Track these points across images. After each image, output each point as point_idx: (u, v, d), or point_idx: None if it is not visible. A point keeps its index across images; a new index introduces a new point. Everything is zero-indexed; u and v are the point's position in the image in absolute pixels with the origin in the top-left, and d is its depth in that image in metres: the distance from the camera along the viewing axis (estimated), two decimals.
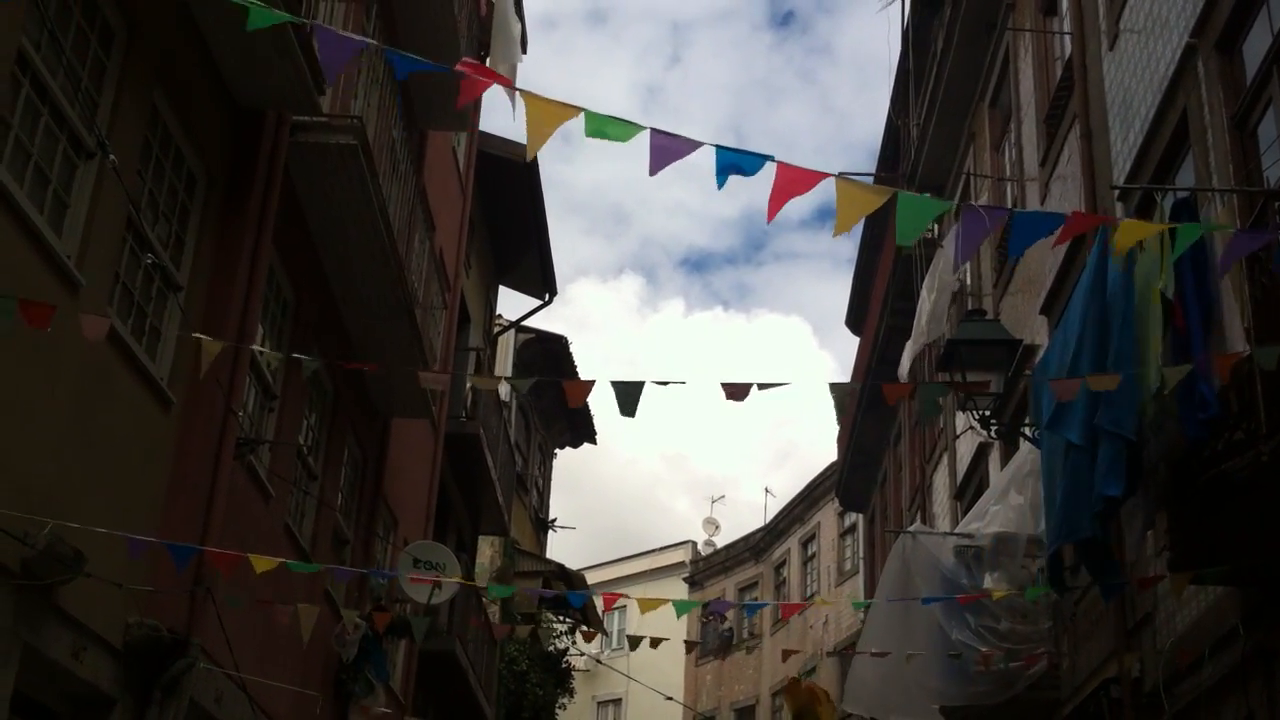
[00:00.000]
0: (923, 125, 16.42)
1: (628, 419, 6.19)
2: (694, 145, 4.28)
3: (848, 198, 4.37)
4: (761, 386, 5.93)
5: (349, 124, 8.97)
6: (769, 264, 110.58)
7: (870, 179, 21.17)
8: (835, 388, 6.21)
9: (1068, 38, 10.90)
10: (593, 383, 6.08)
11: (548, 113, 4.22)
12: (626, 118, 4.24)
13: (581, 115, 4.19)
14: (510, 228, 20.11)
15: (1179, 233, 4.87)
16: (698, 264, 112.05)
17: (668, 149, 4.23)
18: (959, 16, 14.07)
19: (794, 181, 4.31)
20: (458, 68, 4.17)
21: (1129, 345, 6.38)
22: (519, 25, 12.91)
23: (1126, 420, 6.35)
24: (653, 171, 4.18)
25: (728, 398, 5.96)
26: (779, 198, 4.29)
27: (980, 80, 14.57)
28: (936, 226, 17.14)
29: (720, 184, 4.24)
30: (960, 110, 15.23)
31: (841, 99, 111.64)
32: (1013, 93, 13.15)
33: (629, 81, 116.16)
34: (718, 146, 4.26)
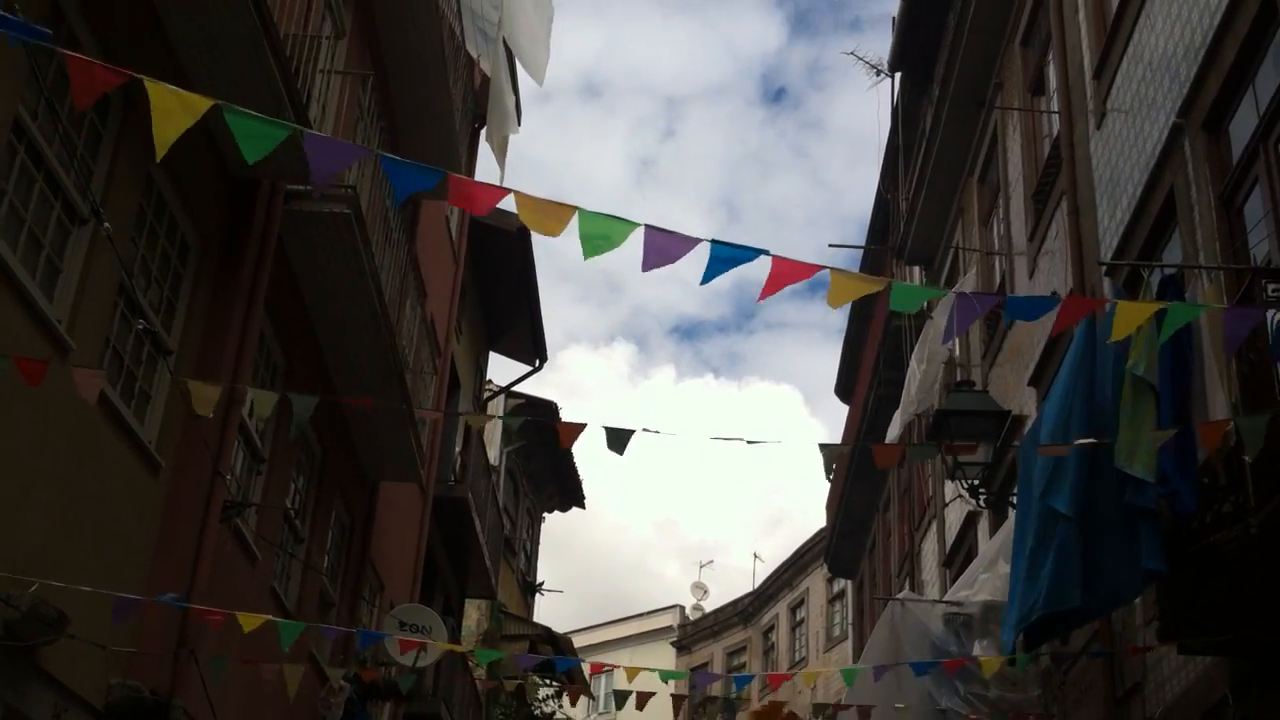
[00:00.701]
0: (912, 199, 16.57)
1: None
2: (690, 241, 4.31)
3: (840, 288, 4.41)
4: (750, 442, 6.19)
5: (343, 193, 9.04)
6: (759, 332, 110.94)
7: (860, 251, 21.32)
8: (825, 448, 6.44)
9: (1055, 116, 11.04)
10: (584, 426, 6.21)
11: (543, 213, 4.23)
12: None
13: (576, 214, 4.21)
14: (502, 294, 20.19)
15: (1169, 314, 4.90)
16: (688, 332, 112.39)
17: (662, 246, 4.26)
18: (948, 94, 14.24)
19: (789, 273, 4.35)
20: (449, 175, 4.18)
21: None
22: (513, 98, 13.05)
23: (1149, 494, 6.38)
24: (646, 268, 4.21)
25: (714, 438, 6.20)
26: (774, 285, 4.33)
27: (969, 156, 14.72)
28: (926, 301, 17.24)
29: (708, 278, 4.26)
30: (949, 185, 15.37)
31: (833, 173, 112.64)
32: (1001, 169, 13.28)
33: (623, 154, 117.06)
34: (713, 242, 4.29)
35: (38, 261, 6.28)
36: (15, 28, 3.99)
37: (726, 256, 4.33)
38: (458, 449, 17.86)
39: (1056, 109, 10.91)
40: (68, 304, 6.51)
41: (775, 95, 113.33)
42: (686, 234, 4.34)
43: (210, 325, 8.22)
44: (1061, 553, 6.84)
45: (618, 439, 6.07)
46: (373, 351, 10.60)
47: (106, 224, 5.84)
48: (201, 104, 3.99)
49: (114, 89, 4.01)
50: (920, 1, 15.86)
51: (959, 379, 13.39)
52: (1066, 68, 10.58)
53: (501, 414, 22.77)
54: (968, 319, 4.59)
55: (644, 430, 6.18)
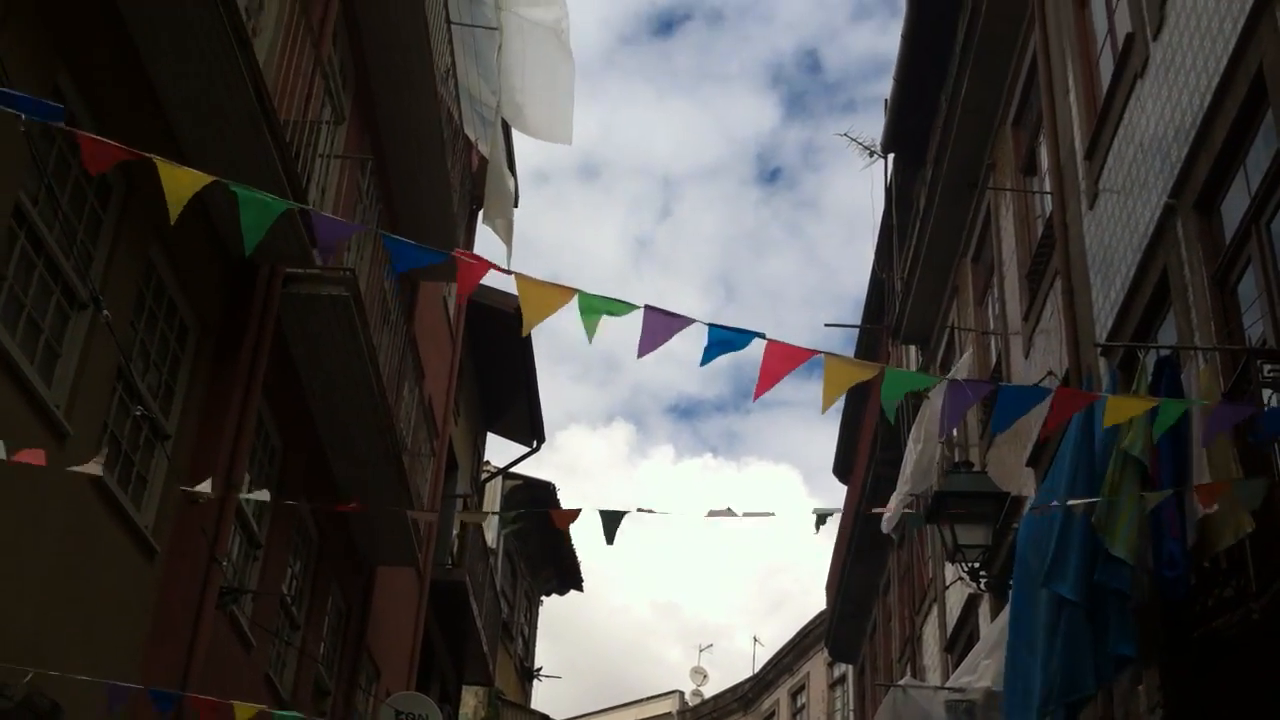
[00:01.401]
0: (907, 279, 16.64)
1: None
2: (686, 322, 4.34)
3: (835, 373, 4.43)
4: (746, 514, 6.20)
5: (342, 276, 9.08)
6: (757, 411, 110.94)
7: (856, 329, 21.38)
8: (818, 511, 6.44)
9: (1048, 197, 11.12)
10: (578, 511, 6.22)
11: (542, 295, 4.27)
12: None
13: (575, 297, 4.25)
14: (499, 375, 20.22)
15: (1162, 408, 4.92)
16: (686, 411, 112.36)
17: (660, 327, 4.29)
18: (941, 175, 14.35)
19: (783, 359, 4.38)
20: (455, 254, 4.23)
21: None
22: (511, 180, 13.21)
23: (1123, 574, 6.35)
24: (641, 353, 4.25)
25: (709, 513, 6.20)
26: (768, 378, 4.36)
27: (963, 236, 14.81)
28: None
29: (706, 360, 4.30)
30: (943, 265, 15.44)
31: (828, 251, 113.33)
32: (995, 249, 13.35)
33: (620, 233, 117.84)
34: (710, 325, 4.32)
35: (37, 346, 6.29)
36: (28, 105, 4.02)
37: (722, 339, 4.37)
38: (455, 531, 17.78)
39: (1049, 189, 10.99)
40: (66, 389, 6.51)
41: (770, 175, 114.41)
42: (684, 315, 4.38)
43: (208, 408, 8.22)
44: (1071, 640, 6.78)
45: (611, 526, 6.06)
46: (370, 433, 10.59)
47: (106, 312, 5.86)
48: (206, 178, 4.07)
49: (117, 171, 4.04)
50: (912, 84, 16.04)
51: (957, 459, 13.37)
52: (1058, 148, 10.67)
53: (499, 495, 22.72)
54: (961, 407, 4.61)
55: (638, 510, 6.19)
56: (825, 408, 4.44)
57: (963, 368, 12.80)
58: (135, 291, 7.25)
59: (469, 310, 17.78)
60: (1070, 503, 6.52)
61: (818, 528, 6.69)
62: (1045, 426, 4.90)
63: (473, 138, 12.72)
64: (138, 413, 7.29)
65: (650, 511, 6.30)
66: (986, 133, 13.51)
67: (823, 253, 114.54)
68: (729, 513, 6.20)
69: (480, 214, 13.20)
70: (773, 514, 6.34)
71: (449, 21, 11.80)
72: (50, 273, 6.38)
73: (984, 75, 12.94)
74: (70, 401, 6.51)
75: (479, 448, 21.32)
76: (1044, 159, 11.51)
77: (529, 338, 19.35)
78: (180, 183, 4.06)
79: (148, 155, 4.05)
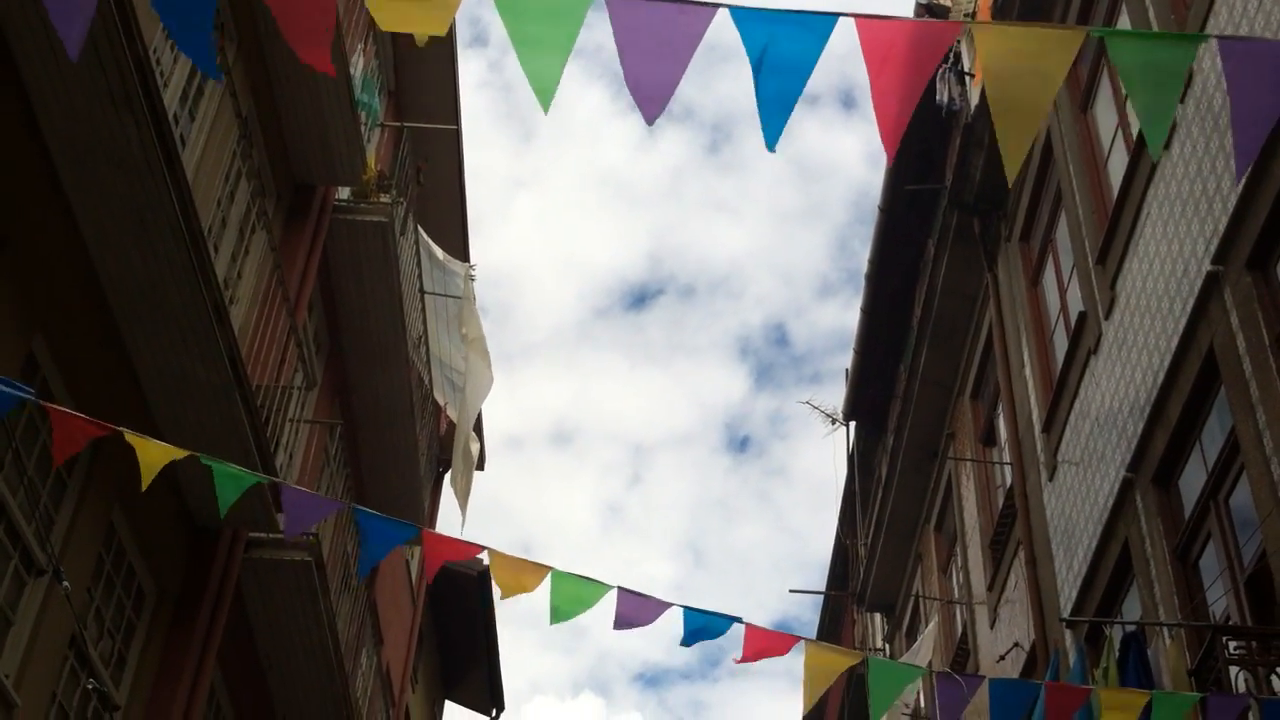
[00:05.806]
0: (870, 546, 16.64)
1: None
2: (663, 606, 4.34)
3: (816, 660, 4.41)
4: None
5: (305, 541, 9.00)
6: (724, 680, 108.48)
7: (821, 596, 21.22)
8: None
9: (1008, 467, 11.25)
10: None
11: (516, 570, 4.28)
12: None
13: (550, 575, 4.25)
14: (460, 641, 19.82)
15: (1156, 701, 4.90)
16: (653, 680, 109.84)
17: (635, 608, 4.28)
18: (902, 444, 14.53)
19: (763, 644, 4.36)
20: (424, 532, 4.26)
21: None
22: (477, 445, 13.31)
23: None
24: (617, 627, 4.22)
25: None
26: (750, 657, 4.33)
27: (925, 504, 14.89)
28: (888, 647, 17.08)
29: (686, 644, 4.27)
30: (907, 532, 15.48)
31: (797, 518, 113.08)
32: (957, 517, 13.42)
33: (591, 499, 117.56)
34: (686, 608, 4.32)
35: None
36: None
37: (699, 625, 4.34)
38: None
39: (1009, 460, 11.13)
40: (17, 659, 6.36)
41: (740, 444, 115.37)
42: (658, 597, 4.38)
43: (160, 678, 8.01)
44: None
45: None
46: (324, 703, 10.30)
47: (66, 584, 5.78)
48: (179, 452, 4.10)
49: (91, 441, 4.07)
50: (872, 355, 16.41)
51: None
52: (1016, 421, 10.86)
53: None
54: (954, 703, 4.58)
55: None
56: (806, 708, 4.39)
57: (928, 638, 12.68)
58: (95, 557, 7.16)
59: None
60: None
61: None
62: None
63: (441, 402, 12.85)
64: (89, 685, 7.10)
65: None
66: (945, 404, 13.75)
67: (790, 519, 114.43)
68: None
69: (447, 477, 13.21)
70: None
71: (422, 291, 12.07)
72: (10, 538, 6.31)
73: (941, 349, 13.26)
74: (20, 671, 6.35)
75: (436, 715, 20.72)
76: (1003, 430, 11.70)
77: (491, 604, 19.08)
78: (153, 455, 4.10)
79: (119, 429, 4.09)
